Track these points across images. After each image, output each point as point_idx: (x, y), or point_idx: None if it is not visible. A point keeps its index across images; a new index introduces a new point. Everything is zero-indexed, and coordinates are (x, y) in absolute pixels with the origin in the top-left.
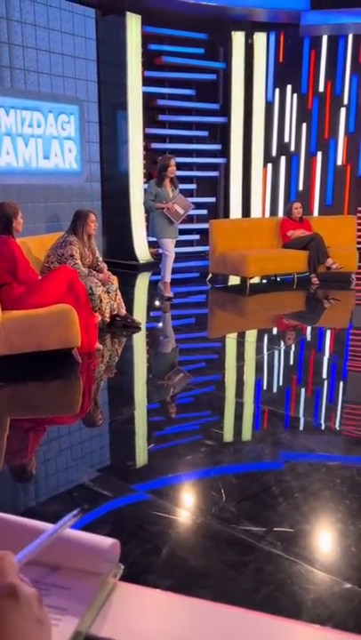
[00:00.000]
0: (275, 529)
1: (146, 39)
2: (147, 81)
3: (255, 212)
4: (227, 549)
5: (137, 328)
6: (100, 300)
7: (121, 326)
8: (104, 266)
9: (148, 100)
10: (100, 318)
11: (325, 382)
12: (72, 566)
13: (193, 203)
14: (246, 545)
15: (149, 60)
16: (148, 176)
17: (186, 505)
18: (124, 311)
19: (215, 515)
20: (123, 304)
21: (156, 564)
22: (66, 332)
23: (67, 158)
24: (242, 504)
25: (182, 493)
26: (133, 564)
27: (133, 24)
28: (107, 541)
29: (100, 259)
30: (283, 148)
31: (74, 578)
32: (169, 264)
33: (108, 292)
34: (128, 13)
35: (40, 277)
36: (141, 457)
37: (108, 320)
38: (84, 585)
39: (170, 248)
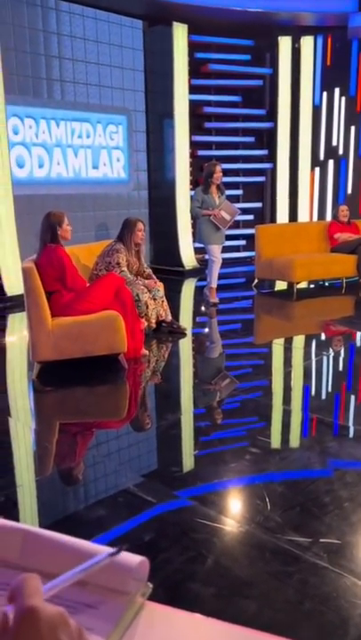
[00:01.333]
0: (321, 540)
1: (192, 47)
2: (193, 89)
3: (302, 216)
4: (271, 559)
5: (182, 334)
6: (147, 307)
7: (167, 332)
8: (150, 272)
9: (195, 107)
10: (146, 324)
11: None
12: (99, 584)
13: (239, 208)
14: (291, 555)
15: (196, 69)
16: (194, 183)
17: (230, 513)
18: (170, 317)
19: (260, 524)
20: (169, 310)
21: (200, 572)
22: (113, 338)
23: (115, 167)
24: (287, 513)
25: (227, 501)
26: (177, 571)
27: (180, 33)
28: (135, 559)
29: (146, 265)
30: (331, 151)
31: (101, 596)
32: (215, 270)
33: (155, 299)
34: (175, 23)
35: (88, 285)
36: (186, 463)
37: (154, 326)
38: (112, 603)
39: (217, 254)
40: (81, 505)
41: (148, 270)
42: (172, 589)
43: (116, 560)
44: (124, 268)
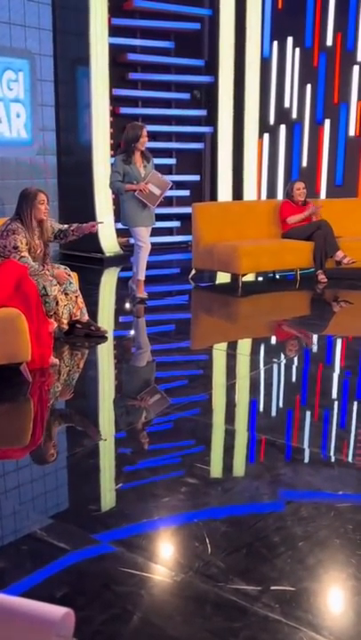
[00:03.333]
0: (272, 587)
1: None
2: (114, 30)
3: (249, 193)
4: (213, 614)
5: (102, 337)
6: (57, 303)
7: (82, 335)
8: (58, 265)
9: (116, 53)
10: (55, 326)
11: (335, 404)
12: None
13: (173, 181)
14: (237, 608)
15: (117, 4)
16: (115, 148)
17: (162, 559)
18: (86, 317)
19: (198, 571)
20: (85, 308)
21: (125, 634)
22: (13, 343)
23: (14, 125)
24: (232, 557)
25: (158, 544)
26: (97, 632)
27: None
28: (59, 612)
29: (66, 227)
30: (283, 114)
31: None
32: (143, 257)
33: (67, 294)
34: None
35: None
36: (107, 499)
37: (65, 328)
38: None
39: (144, 238)
40: None
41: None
42: None
43: (36, 613)
44: (25, 254)
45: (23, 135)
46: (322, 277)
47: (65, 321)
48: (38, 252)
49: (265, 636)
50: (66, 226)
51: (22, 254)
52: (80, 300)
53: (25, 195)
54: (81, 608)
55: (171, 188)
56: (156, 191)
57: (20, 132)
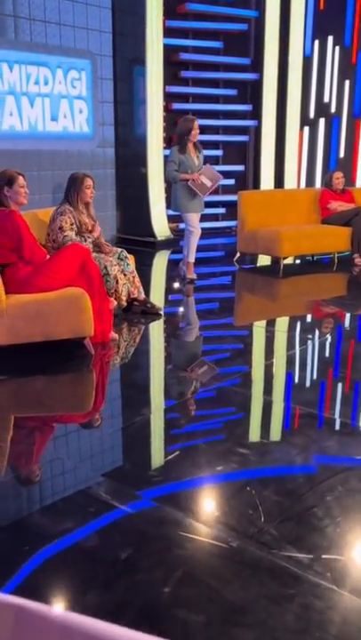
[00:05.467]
0: (323, 556)
1: None
2: (168, 32)
3: (290, 182)
4: (268, 580)
5: (157, 314)
6: (117, 282)
7: (139, 312)
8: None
9: (170, 53)
10: (115, 303)
11: None
12: None
13: (219, 171)
14: (291, 575)
15: (172, 8)
16: (168, 140)
17: (219, 525)
18: (143, 295)
19: (253, 537)
20: (141, 287)
21: (187, 596)
22: (77, 320)
23: (77, 120)
24: (283, 525)
25: (214, 511)
26: (160, 595)
27: None
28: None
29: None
30: (322, 109)
31: None
32: (193, 242)
33: (125, 274)
34: None
35: (48, 257)
36: (164, 467)
37: (124, 305)
38: None
39: (195, 223)
40: (45, 513)
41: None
42: (156, 617)
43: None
44: (67, 232)
45: (85, 129)
46: (358, 260)
47: (124, 298)
48: (90, 228)
49: (318, 603)
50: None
51: (65, 234)
52: (137, 279)
53: (73, 179)
54: (145, 570)
55: (221, 181)
56: (208, 182)
57: (83, 126)
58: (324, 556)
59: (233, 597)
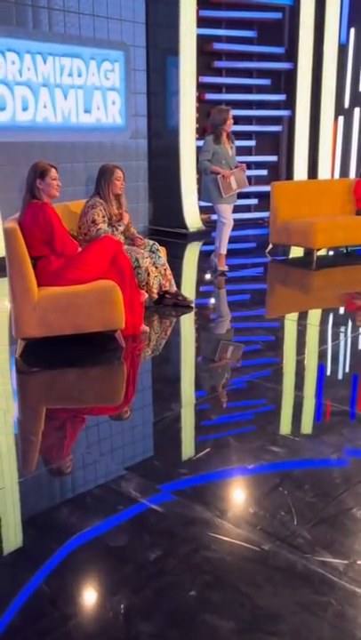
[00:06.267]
0: (359, 562)
1: None
2: (201, 21)
3: (323, 172)
4: (301, 586)
5: (188, 307)
6: (148, 274)
7: (171, 305)
8: (134, 231)
9: (203, 43)
10: (146, 296)
11: None
12: None
13: (252, 162)
14: (325, 581)
15: None
16: (201, 132)
17: (249, 527)
18: (174, 288)
19: (285, 541)
20: (173, 280)
21: (217, 601)
22: (108, 312)
23: (110, 112)
24: (317, 528)
25: (245, 511)
26: (190, 599)
27: None
28: None
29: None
30: (357, 98)
31: None
32: (226, 233)
33: (156, 266)
34: None
35: (80, 249)
36: (194, 464)
37: (155, 297)
38: None
39: (227, 215)
40: (73, 509)
41: (133, 230)
42: (185, 622)
43: None
44: (101, 225)
45: (118, 121)
46: None
47: (155, 291)
48: (123, 220)
49: (352, 612)
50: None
51: (98, 227)
52: (168, 272)
53: (103, 171)
54: (175, 573)
55: (246, 188)
56: (234, 185)
57: (116, 118)
58: (360, 562)
59: (264, 603)
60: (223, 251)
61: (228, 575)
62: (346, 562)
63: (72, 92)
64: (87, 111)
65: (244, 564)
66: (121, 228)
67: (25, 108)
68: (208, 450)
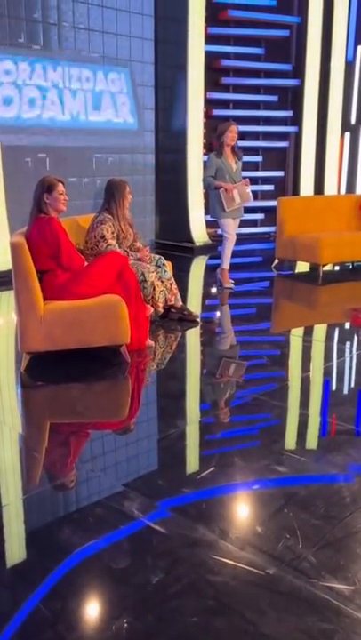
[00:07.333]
0: None
1: None
2: (210, 38)
3: (330, 188)
4: (306, 613)
5: (194, 322)
6: (153, 289)
7: (176, 319)
8: (140, 245)
9: (211, 60)
10: (152, 310)
11: None
12: None
13: (258, 177)
14: (331, 608)
15: (213, 15)
16: (207, 147)
17: (253, 549)
18: (180, 302)
19: (290, 565)
20: (178, 294)
21: (220, 628)
22: (114, 327)
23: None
24: (323, 552)
25: (249, 534)
26: (192, 625)
27: None
28: None
29: (139, 235)
30: None
31: None
32: (228, 248)
33: (162, 280)
34: None
35: (86, 264)
36: (198, 483)
37: (161, 311)
38: None
39: (230, 229)
40: (74, 527)
41: (139, 243)
42: None
43: None
44: (111, 241)
45: (128, 135)
46: None
47: (161, 305)
48: (129, 237)
49: None
50: (138, 244)
51: (108, 242)
52: (174, 286)
53: (115, 185)
54: (177, 596)
55: (249, 204)
56: (237, 198)
57: (126, 129)
58: None
59: (268, 631)
60: (226, 266)
61: (232, 600)
62: (352, 587)
63: (82, 109)
64: (96, 110)
65: (248, 589)
66: (125, 245)
67: (32, 118)
68: (212, 469)
